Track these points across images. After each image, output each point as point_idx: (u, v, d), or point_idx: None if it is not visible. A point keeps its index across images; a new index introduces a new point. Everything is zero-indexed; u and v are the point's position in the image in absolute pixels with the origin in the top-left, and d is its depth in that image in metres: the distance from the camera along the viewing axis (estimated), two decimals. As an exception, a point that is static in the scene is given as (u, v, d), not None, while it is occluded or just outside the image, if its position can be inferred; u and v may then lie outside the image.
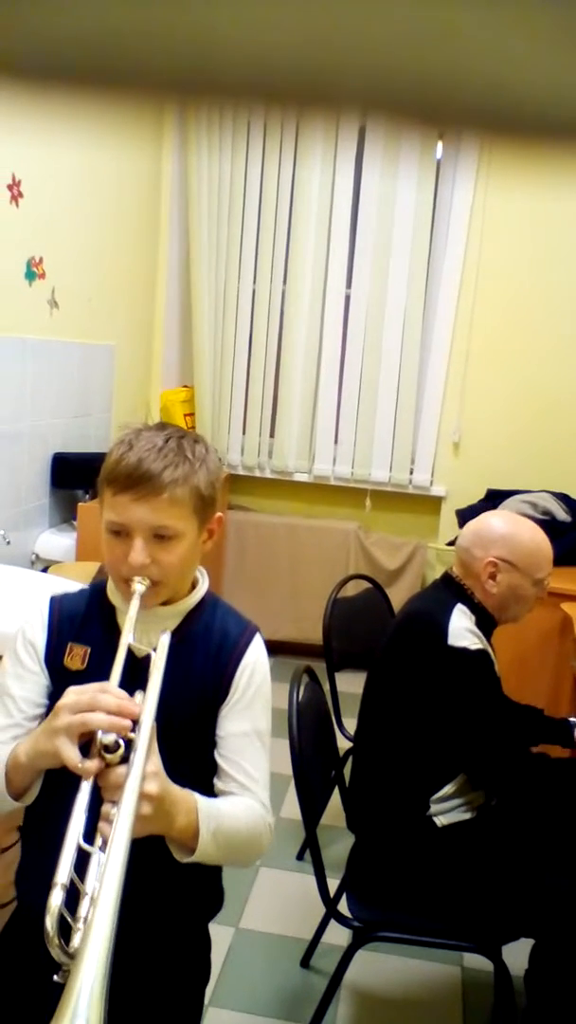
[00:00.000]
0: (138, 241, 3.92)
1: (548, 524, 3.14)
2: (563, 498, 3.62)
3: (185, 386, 4.35)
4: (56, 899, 0.87)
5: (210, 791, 1.14)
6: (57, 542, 3.13)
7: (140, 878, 0.85)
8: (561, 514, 3.52)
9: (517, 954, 1.81)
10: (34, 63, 0.23)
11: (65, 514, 3.29)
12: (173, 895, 1.18)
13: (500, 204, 3.86)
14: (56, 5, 0.22)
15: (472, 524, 1.91)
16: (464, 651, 1.72)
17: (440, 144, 3.89)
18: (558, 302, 3.89)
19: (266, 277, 4.14)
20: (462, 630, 1.75)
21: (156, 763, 0.98)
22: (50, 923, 0.85)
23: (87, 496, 3.22)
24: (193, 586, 1.24)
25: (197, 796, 1.08)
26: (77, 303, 3.30)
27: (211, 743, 1.19)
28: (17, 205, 2.79)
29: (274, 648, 4.06)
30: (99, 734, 0.96)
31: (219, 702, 1.19)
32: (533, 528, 1.87)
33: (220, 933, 2.21)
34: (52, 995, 0.87)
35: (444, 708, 1.73)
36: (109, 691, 1.00)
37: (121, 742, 0.96)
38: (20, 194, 2.79)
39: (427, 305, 4.02)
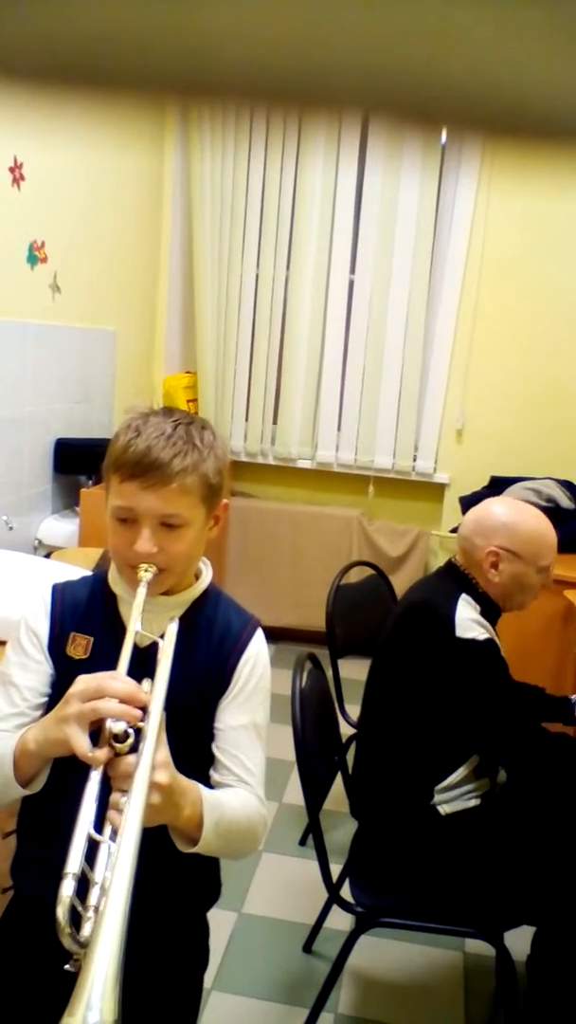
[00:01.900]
0: (140, 225, 3.89)
1: (552, 511, 3.13)
2: (567, 485, 3.61)
3: (188, 372, 4.33)
4: (68, 889, 0.86)
5: (206, 782, 1.14)
6: (60, 528, 3.13)
7: (140, 867, 0.85)
8: (565, 501, 3.50)
9: (519, 939, 1.81)
10: (37, 63, 0.23)
11: (67, 500, 3.29)
12: (172, 884, 1.18)
13: (505, 192, 3.83)
14: (60, 5, 0.22)
15: (473, 512, 1.88)
16: (473, 642, 1.71)
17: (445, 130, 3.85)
18: (562, 289, 3.87)
19: (269, 262, 4.11)
20: (468, 621, 1.73)
21: (165, 753, 0.98)
22: (62, 912, 0.85)
23: (90, 482, 3.22)
24: (196, 577, 1.23)
25: (201, 787, 1.08)
26: (79, 287, 3.28)
27: (209, 735, 1.19)
28: (19, 188, 2.77)
29: (277, 634, 4.09)
30: (108, 723, 0.96)
31: (219, 694, 1.19)
32: (536, 515, 1.85)
33: (223, 918, 2.22)
34: (57, 984, 0.87)
35: (454, 698, 1.72)
36: (117, 677, 0.99)
37: (130, 731, 0.95)
38: (22, 177, 2.77)
39: (431, 291, 3.99)
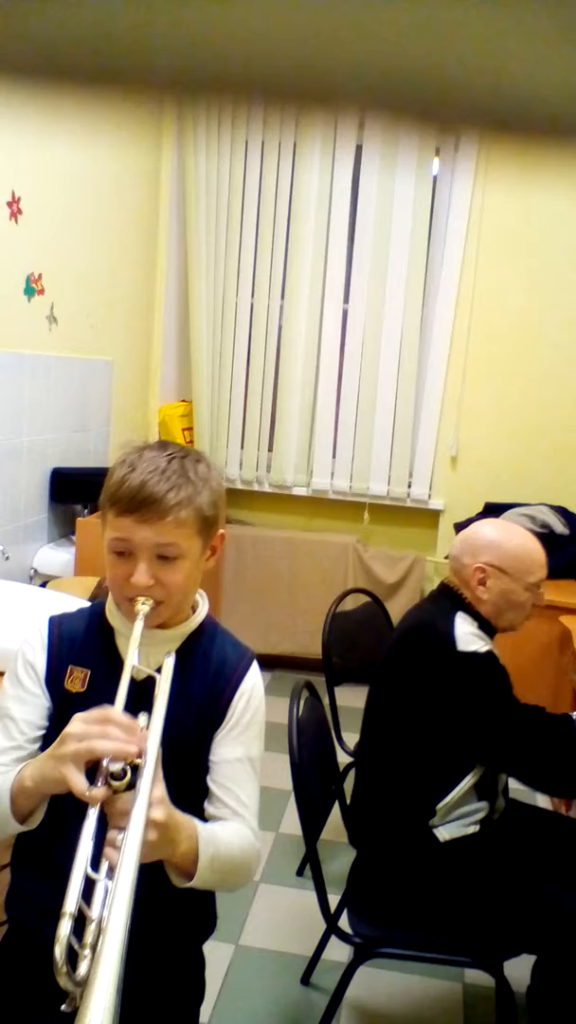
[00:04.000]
0: (136, 257, 3.94)
1: (546, 537, 3.15)
2: (561, 511, 3.63)
3: (183, 400, 4.36)
4: (65, 929, 0.86)
5: (200, 815, 1.14)
6: (56, 557, 3.13)
7: (135, 902, 0.85)
8: (559, 527, 3.52)
9: (518, 970, 1.80)
10: (35, 62, 0.23)
11: (64, 529, 3.29)
12: (166, 918, 1.18)
13: (497, 218, 3.89)
14: (58, 4, 0.22)
15: (463, 533, 1.91)
16: (475, 655, 1.73)
17: (436, 160, 3.92)
18: (555, 315, 3.91)
19: (264, 291, 4.16)
20: (468, 635, 1.75)
21: (161, 789, 0.98)
22: (59, 952, 0.84)
23: (86, 511, 3.23)
24: (193, 609, 1.24)
25: (196, 821, 1.08)
26: (76, 319, 3.31)
27: (204, 768, 1.19)
28: (17, 222, 2.81)
29: (273, 662, 4.07)
30: (105, 761, 0.95)
31: (215, 727, 1.20)
32: (523, 534, 1.87)
33: (219, 950, 2.20)
34: (52, 1021, 0.86)
35: (457, 713, 1.72)
36: (115, 720, 0.99)
37: (127, 769, 0.95)
38: (20, 211, 2.81)
39: (424, 319, 4.04)
